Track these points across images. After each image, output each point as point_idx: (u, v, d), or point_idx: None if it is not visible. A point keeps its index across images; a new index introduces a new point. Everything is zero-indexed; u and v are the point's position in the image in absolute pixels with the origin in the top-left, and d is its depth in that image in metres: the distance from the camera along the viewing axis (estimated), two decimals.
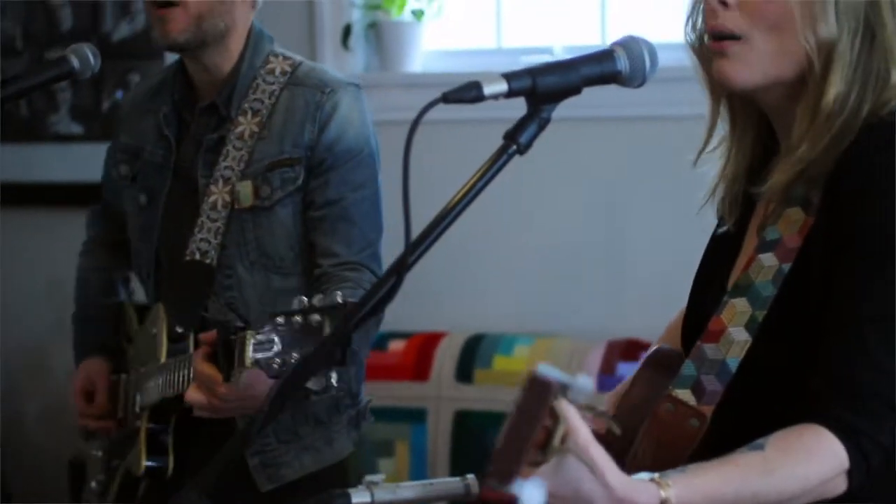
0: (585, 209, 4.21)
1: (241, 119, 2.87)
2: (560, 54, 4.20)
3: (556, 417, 1.49)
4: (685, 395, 1.89)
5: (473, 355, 4.09)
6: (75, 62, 2.71)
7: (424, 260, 1.78)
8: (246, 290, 2.86)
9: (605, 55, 1.85)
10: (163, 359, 2.88)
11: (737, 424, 1.84)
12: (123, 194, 3.04)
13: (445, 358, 4.12)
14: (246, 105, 2.87)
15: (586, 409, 1.55)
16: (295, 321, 2.32)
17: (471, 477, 1.92)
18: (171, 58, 3.21)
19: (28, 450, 4.62)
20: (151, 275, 2.98)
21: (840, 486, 1.79)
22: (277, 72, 2.89)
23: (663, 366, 1.99)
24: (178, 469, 2.88)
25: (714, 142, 2.02)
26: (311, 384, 2.08)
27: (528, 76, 1.79)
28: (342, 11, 4.42)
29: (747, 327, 1.88)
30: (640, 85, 1.87)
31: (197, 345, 2.73)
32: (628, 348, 3.95)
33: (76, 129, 4.65)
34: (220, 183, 2.86)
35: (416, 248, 1.76)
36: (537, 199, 4.12)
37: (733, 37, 1.90)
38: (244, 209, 2.84)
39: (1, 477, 4.46)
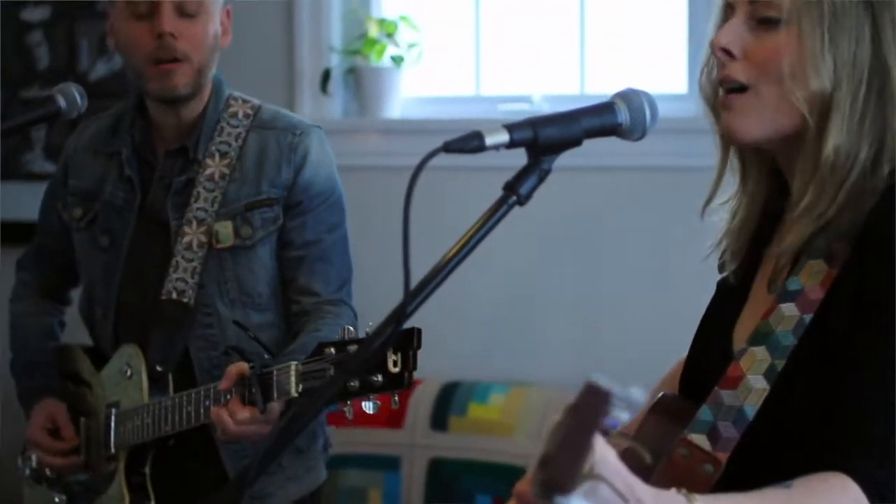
0: (559, 259, 4.20)
1: (209, 161, 2.93)
2: (538, 103, 4.20)
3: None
4: (700, 440, 1.89)
5: (448, 403, 4.08)
6: (62, 102, 2.70)
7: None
8: (227, 327, 2.90)
9: (606, 107, 1.84)
10: (145, 399, 2.90)
11: (751, 472, 1.84)
12: (76, 237, 3.07)
13: (420, 405, 4.10)
14: (213, 148, 2.94)
15: (619, 436, 1.53)
16: (349, 350, 2.47)
17: None
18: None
19: None
20: (110, 315, 3.00)
21: None
22: (240, 115, 2.97)
23: (671, 412, 1.99)
24: None
25: (724, 195, 2.02)
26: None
27: (529, 127, 1.78)
28: (321, 56, 4.42)
29: (766, 375, 1.88)
30: (640, 138, 1.86)
31: (179, 385, 2.83)
32: None
33: (49, 167, 4.63)
34: (195, 224, 2.91)
35: (414, 297, 1.75)
36: (512, 248, 4.11)
37: (742, 87, 1.91)
38: (224, 248, 2.90)
39: None
